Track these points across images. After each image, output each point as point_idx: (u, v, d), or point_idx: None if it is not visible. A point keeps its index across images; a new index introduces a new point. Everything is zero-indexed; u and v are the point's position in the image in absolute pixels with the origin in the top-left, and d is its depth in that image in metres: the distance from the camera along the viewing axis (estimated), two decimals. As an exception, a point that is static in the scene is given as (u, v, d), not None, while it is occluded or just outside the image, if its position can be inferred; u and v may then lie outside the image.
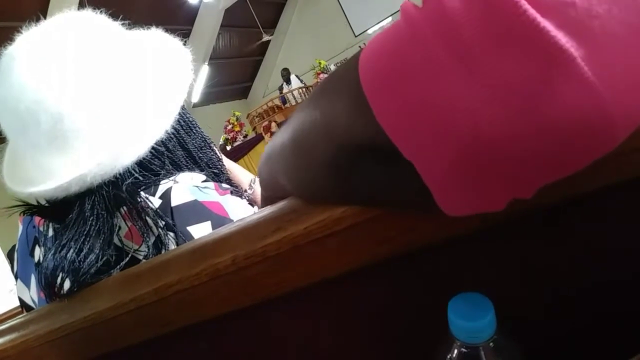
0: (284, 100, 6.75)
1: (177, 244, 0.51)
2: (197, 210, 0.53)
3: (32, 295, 0.59)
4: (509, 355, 0.29)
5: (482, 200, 0.23)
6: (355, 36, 9.29)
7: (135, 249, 0.52)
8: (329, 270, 0.35)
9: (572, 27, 0.19)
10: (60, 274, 0.47)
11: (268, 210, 0.36)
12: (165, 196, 0.54)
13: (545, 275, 0.35)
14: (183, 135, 0.61)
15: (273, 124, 5.84)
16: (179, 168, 0.60)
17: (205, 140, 0.66)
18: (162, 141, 0.58)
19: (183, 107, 0.63)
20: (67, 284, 0.46)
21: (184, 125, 0.62)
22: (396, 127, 0.23)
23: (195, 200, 0.54)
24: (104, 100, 0.52)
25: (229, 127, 6.40)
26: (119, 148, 0.52)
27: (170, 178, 0.56)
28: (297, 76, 7.27)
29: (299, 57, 9.60)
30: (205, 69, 8.23)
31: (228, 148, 5.91)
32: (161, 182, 0.55)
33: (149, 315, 0.39)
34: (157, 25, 0.65)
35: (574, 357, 0.37)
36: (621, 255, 0.34)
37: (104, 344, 0.43)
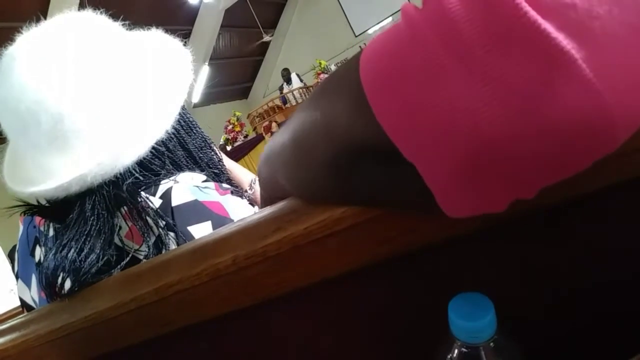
0: (285, 101, 6.75)
1: (178, 244, 0.51)
2: (197, 210, 0.53)
3: (32, 295, 0.59)
4: (509, 355, 0.29)
5: (483, 202, 0.23)
6: (356, 36, 9.29)
7: (136, 248, 0.52)
8: (329, 270, 0.35)
9: (573, 29, 0.19)
10: (61, 274, 0.47)
11: (268, 210, 0.36)
12: (166, 196, 0.54)
13: (545, 275, 0.35)
14: (183, 135, 0.62)
15: (273, 124, 5.84)
16: (179, 168, 0.60)
17: (206, 140, 0.66)
18: (162, 141, 0.58)
19: (183, 107, 0.63)
20: (67, 284, 0.46)
21: (184, 126, 0.62)
22: (397, 127, 0.23)
23: (196, 200, 0.54)
24: (104, 100, 0.52)
25: (230, 127, 6.41)
26: (120, 148, 0.52)
27: (171, 178, 0.56)
28: (297, 75, 7.27)
29: (299, 57, 9.60)
30: (205, 69, 8.24)
31: (228, 148, 5.92)
32: (161, 182, 0.55)
33: (149, 315, 0.39)
34: (157, 26, 0.65)
35: (574, 357, 0.37)
36: (621, 256, 0.34)
37: (105, 344, 0.43)
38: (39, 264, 0.58)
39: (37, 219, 0.59)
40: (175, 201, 0.53)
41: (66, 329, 0.42)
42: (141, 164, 0.56)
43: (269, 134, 5.79)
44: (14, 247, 0.64)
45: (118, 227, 0.53)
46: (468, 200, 0.23)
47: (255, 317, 0.40)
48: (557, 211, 0.31)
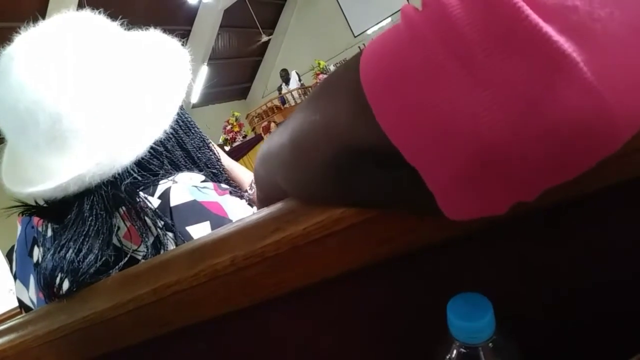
0: (283, 101, 6.75)
1: (176, 244, 0.51)
2: (196, 211, 0.53)
3: (30, 295, 0.59)
4: (508, 356, 0.29)
5: (484, 205, 0.23)
6: (355, 36, 9.30)
7: (134, 249, 0.52)
8: (328, 270, 0.35)
9: (574, 31, 0.19)
10: (59, 274, 0.47)
11: (267, 210, 0.36)
12: (164, 196, 0.53)
13: (545, 275, 0.35)
14: (182, 135, 0.61)
15: (272, 125, 5.84)
16: (177, 168, 0.60)
17: (204, 141, 0.66)
18: (160, 141, 0.58)
19: (181, 107, 0.63)
20: (66, 285, 0.46)
21: (183, 126, 0.62)
22: (398, 130, 0.23)
23: (195, 201, 0.53)
24: (103, 100, 0.52)
25: (228, 127, 6.40)
26: (118, 148, 0.52)
27: (169, 178, 0.56)
28: (297, 73, 7.26)
29: (298, 57, 9.60)
30: (204, 70, 8.24)
31: (227, 148, 5.92)
32: (160, 182, 0.55)
33: (147, 315, 0.39)
34: (156, 26, 0.65)
35: (574, 357, 0.36)
36: (621, 256, 0.34)
37: (103, 345, 0.43)
38: (37, 264, 0.58)
39: (35, 219, 0.59)
40: (174, 201, 0.53)
41: (64, 329, 0.42)
42: (139, 164, 0.56)
43: (268, 134, 5.78)
44: (12, 247, 0.64)
45: (116, 228, 0.53)
46: (469, 203, 0.23)
47: (253, 318, 0.40)
48: (557, 211, 0.31)
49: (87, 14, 0.57)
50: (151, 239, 0.51)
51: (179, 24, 7.47)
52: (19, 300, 0.62)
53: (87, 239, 0.51)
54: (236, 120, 6.47)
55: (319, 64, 6.89)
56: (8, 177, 0.57)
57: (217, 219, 0.53)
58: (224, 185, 0.60)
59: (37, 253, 0.58)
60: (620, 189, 0.29)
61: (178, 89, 0.59)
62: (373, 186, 0.28)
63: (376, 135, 0.23)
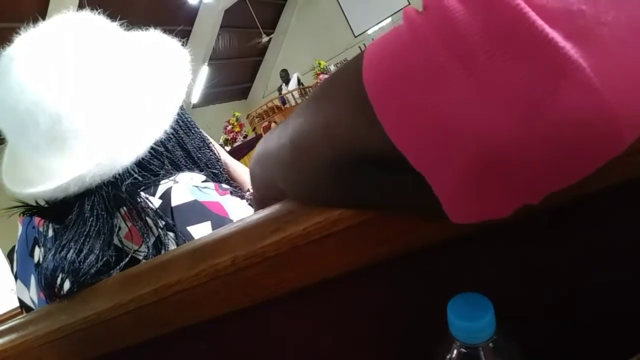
0: (284, 101, 6.75)
1: (177, 244, 0.51)
2: (197, 211, 0.53)
3: (31, 295, 0.59)
4: (508, 356, 0.29)
5: (490, 208, 0.23)
6: (355, 37, 9.30)
7: (135, 249, 0.52)
8: (328, 270, 0.35)
9: (581, 37, 0.18)
10: (60, 275, 0.47)
11: (267, 211, 0.36)
12: (165, 196, 0.54)
13: (545, 275, 0.35)
14: (182, 136, 0.61)
15: (273, 125, 5.84)
16: (178, 168, 0.60)
17: (204, 141, 0.66)
18: (161, 141, 0.58)
19: (182, 108, 0.63)
20: (66, 285, 0.46)
21: (183, 126, 0.62)
22: (403, 135, 0.22)
23: (195, 201, 0.54)
24: (103, 100, 0.52)
25: (229, 127, 6.40)
26: (118, 148, 0.52)
27: (170, 178, 0.56)
28: (298, 77, 7.25)
29: (299, 57, 9.60)
30: (205, 70, 8.24)
31: (228, 148, 5.91)
32: (161, 182, 0.55)
33: (148, 315, 0.39)
34: (156, 26, 0.65)
35: (574, 357, 0.36)
36: (621, 256, 0.34)
37: (104, 345, 0.43)
38: (38, 264, 0.58)
39: (36, 219, 0.59)
40: (175, 201, 0.53)
41: (65, 329, 0.42)
42: (140, 164, 0.56)
43: (268, 134, 5.77)
44: (13, 247, 0.64)
45: (117, 228, 0.53)
46: (475, 207, 0.23)
47: (254, 318, 0.40)
48: (557, 211, 0.31)
49: (87, 14, 0.57)
50: (152, 239, 0.51)
51: (179, 24, 7.47)
52: (20, 300, 0.62)
53: (88, 240, 0.51)
54: (237, 120, 6.47)
55: (320, 64, 6.89)
56: (8, 178, 0.57)
57: (218, 219, 0.53)
58: (224, 185, 0.60)
59: (38, 253, 0.58)
60: (620, 189, 0.29)
61: (178, 89, 0.59)
62: (374, 189, 0.28)
63: (379, 139, 0.23)
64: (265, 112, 6.58)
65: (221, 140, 6.35)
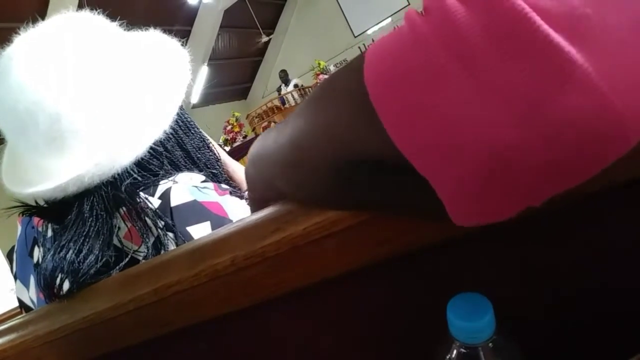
0: (283, 102, 6.75)
1: (177, 245, 0.51)
2: (196, 211, 0.53)
3: (31, 296, 0.59)
4: (508, 356, 0.29)
5: (494, 211, 0.23)
6: (355, 37, 9.30)
7: (135, 249, 0.52)
8: (328, 270, 0.35)
9: (585, 40, 0.18)
10: (60, 275, 0.47)
11: (267, 211, 0.36)
12: (165, 196, 0.53)
13: (545, 275, 0.35)
14: (181, 136, 0.61)
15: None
16: (177, 168, 0.60)
17: (204, 141, 0.66)
18: (160, 141, 0.58)
19: (181, 108, 0.63)
20: (66, 285, 0.46)
21: (182, 126, 0.62)
22: (406, 139, 0.22)
23: (195, 201, 0.53)
24: (102, 101, 0.52)
25: (229, 127, 6.40)
26: (117, 148, 0.52)
27: (170, 178, 0.56)
28: (296, 84, 7.26)
29: (298, 57, 9.61)
30: (204, 70, 8.24)
31: (227, 148, 5.91)
32: (160, 183, 0.55)
33: (148, 315, 0.39)
34: (156, 26, 0.65)
35: (574, 357, 0.36)
36: (621, 256, 0.34)
37: (103, 345, 0.43)
38: (37, 264, 0.58)
39: (36, 219, 0.59)
40: (174, 201, 0.53)
41: (65, 329, 0.42)
42: (139, 164, 0.56)
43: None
44: (13, 247, 0.64)
45: (117, 228, 0.53)
46: (478, 209, 0.23)
47: (254, 318, 0.40)
48: (557, 211, 0.31)
49: (87, 14, 0.57)
50: (152, 240, 0.51)
51: (179, 24, 7.48)
52: (19, 300, 0.62)
53: (87, 240, 0.51)
54: (236, 120, 6.47)
55: (319, 64, 6.89)
56: (8, 178, 0.57)
57: (218, 219, 0.53)
58: (224, 186, 0.60)
59: (37, 253, 0.58)
60: (620, 189, 0.29)
61: (178, 89, 0.59)
62: (375, 190, 0.28)
63: (380, 140, 0.23)
64: (265, 112, 6.58)
65: (221, 141, 6.35)
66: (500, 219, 0.23)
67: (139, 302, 0.39)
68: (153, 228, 0.52)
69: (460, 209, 0.23)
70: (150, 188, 0.55)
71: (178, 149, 0.61)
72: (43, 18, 0.57)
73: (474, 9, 0.20)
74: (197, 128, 0.66)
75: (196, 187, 0.55)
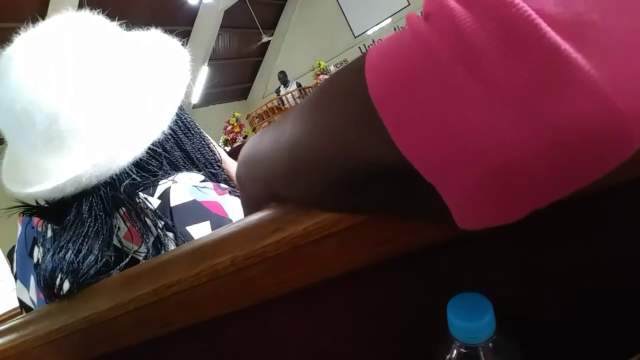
0: (282, 103, 6.75)
1: (177, 245, 0.51)
2: (196, 210, 0.53)
3: (31, 296, 0.59)
4: (508, 356, 0.29)
5: (500, 215, 0.23)
6: (355, 37, 9.31)
7: (135, 249, 0.52)
8: (328, 270, 0.35)
9: (591, 46, 0.18)
10: (59, 275, 0.47)
11: (267, 211, 0.36)
12: (164, 196, 0.53)
13: (545, 275, 0.35)
14: (181, 136, 0.61)
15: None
16: (176, 169, 0.59)
17: (204, 141, 0.66)
18: (159, 142, 0.58)
19: (181, 108, 0.63)
20: (66, 285, 0.46)
21: (182, 126, 0.62)
22: (414, 147, 0.22)
23: (194, 200, 0.53)
24: (102, 100, 0.52)
25: (229, 128, 6.40)
26: (117, 149, 0.52)
27: (169, 178, 0.56)
28: (298, 83, 7.27)
29: (299, 58, 9.61)
30: (205, 70, 8.24)
31: (227, 149, 5.91)
32: (160, 183, 0.55)
33: (148, 315, 0.39)
34: (156, 26, 0.65)
35: (574, 357, 0.36)
36: (621, 256, 0.34)
37: (104, 345, 0.43)
38: (37, 265, 0.58)
39: (35, 219, 0.59)
40: (174, 201, 0.53)
41: (65, 329, 0.42)
42: (138, 164, 0.56)
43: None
44: (13, 247, 0.64)
45: (117, 228, 0.53)
46: (485, 214, 0.23)
47: (254, 318, 0.40)
48: (557, 211, 0.31)
49: (87, 14, 0.57)
50: (151, 240, 0.51)
51: (179, 24, 7.47)
52: (20, 301, 0.62)
53: (86, 240, 0.51)
54: (237, 120, 6.47)
55: (319, 64, 6.89)
56: (8, 177, 0.57)
57: (217, 218, 0.53)
58: (223, 185, 0.60)
59: (37, 253, 0.58)
60: (620, 189, 0.29)
61: (177, 90, 0.59)
62: (378, 195, 0.28)
63: (385, 146, 0.23)
64: (265, 112, 6.59)
65: (221, 141, 6.35)
66: (507, 222, 0.23)
67: (139, 302, 0.39)
68: (153, 228, 0.52)
69: (466, 213, 0.23)
70: (150, 188, 0.55)
71: (177, 150, 0.61)
72: (43, 18, 0.57)
73: (479, 15, 0.20)
74: (197, 128, 0.66)
75: (196, 186, 0.55)
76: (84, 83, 0.51)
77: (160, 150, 0.58)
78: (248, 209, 0.41)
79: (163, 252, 0.51)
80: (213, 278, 0.36)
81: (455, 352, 0.29)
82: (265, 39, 8.87)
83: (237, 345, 0.43)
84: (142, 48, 0.60)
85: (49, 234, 0.56)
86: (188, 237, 0.51)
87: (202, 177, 0.59)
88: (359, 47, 9.04)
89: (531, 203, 0.22)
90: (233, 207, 0.55)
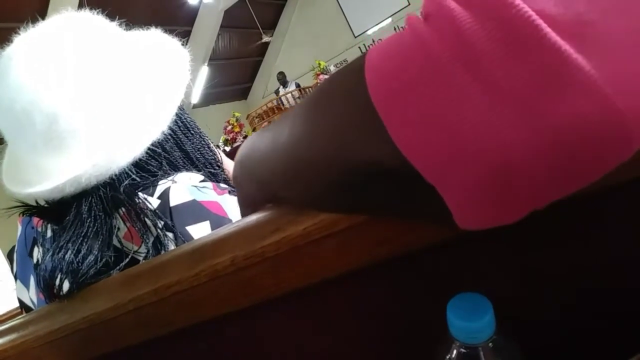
0: (282, 103, 6.76)
1: (177, 245, 0.51)
2: (195, 210, 0.53)
3: (31, 296, 0.59)
4: (508, 356, 0.29)
5: (500, 215, 0.23)
6: (355, 37, 9.31)
7: (135, 250, 0.52)
8: (328, 270, 0.35)
9: (592, 46, 0.18)
10: (59, 275, 0.47)
11: (267, 211, 0.36)
12: (164, 196, 0.53)
13: (545, 275, 0.35)
14: (180, 136, 0.61)
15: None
16: (176, 169, 0.59)
17: (204, 141, 0.66)
18: (159, 142, 0.58)
19: (181, 108, 0.63)
20: (66, 285, 0.46)
21: (182, 126, 0.62)
22: (415, 149, 0.22)
23: (194, 200, 0.53)
24: (101, 101, 0.52)
25: (229, 127, 6.41)
26: (116, 149, 0.52)
27: (169, 178, 0.56)
28: (297, 83, 7.28)
29: (299, 57, 9.62)
30: (205, 70, 8.24)
31: (227, 149, 5.92)
32: (159, 183, 0.55)
33: (148, 315, 0.39)
34: (157, 26, 0.65)
35: (574, 357, 0.36)
36: (621, 256, 0.34)
37: (104, 345, 0.43)
38: (37, 265, 0.58)
39: (35, 219, 0.59)
40: (174, 201, 0.53)
41: (65, 329, 0.42)
42: (137, 164, 0.56)
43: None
44: (13, 247, 0.64)
45: (116, 229, 0.53)
46: (486, 214, 0.23)
47: (254, 318, 0.40)
48: (557, 211, 0.31)
49: (87, 14, 0.57)
50: (151, 240, 0.51)
51: (179, 24, 7.47)
52: (20, 301, 0.62)
53: (85, 240, 0.51)
54: (237, 120, 6.47)
55: (319, 64, 6.89)
56: (8, 177, 0.57)
57: (217, 218, 0.53)
58: (223, 185, 0.60)
59: (37, 253, 0.58)
60: (620, 189, 0.29)
61: (177, 90, 0.59)
62: (378, 196, 0.28)
63: (387, 150, 0.23)
64: (265, 112, 6.59)
65: (221, 141, 6.35)
66: (507, 222, 0.23)
67: (138, 302, 0.39)
68: (152, 228, 0.52)
69: (467, 213, 0.23)
70: (149, 188, 0.55)
71: (177, 150, 0.60)
72: (43, 18, 0.57)
73: (479, 16, 0.20)
74: (197, 128, 0.66)
75: (195, 186, 0.55)
76: (83, 83, 0.51)
77: (159, 151, 0.58)
78: (245, 210, 0.41)
79: (163, 252, 0.51)
80: (213, 278, 0.36)
81: (455, 352, 0.29)
82: (265, 39, 8.87)
83: (237, 345, 0.43)
84: (142, 48, 0.60)
85: (49, 234, 0.56)
86: (188, 237, 0.51)
87: (202, 177, 0.59)
88: (359, 47, 9.04)
89: (531, 203, 0.22)
90: (232, 207, 0.55)
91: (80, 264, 0.48)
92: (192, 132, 0.64)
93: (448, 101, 0.20)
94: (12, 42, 0.53)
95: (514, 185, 0.21)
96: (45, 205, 0.56)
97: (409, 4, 8.39)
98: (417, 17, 0.23)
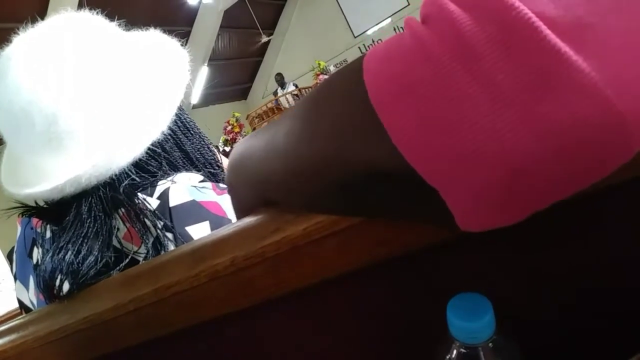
0: (280, 104, 6.77)
1: (176, 245, 0.51)
2: (195, 211, 0.53)
3: (30, 297, 0.59)
4: (508, 356, 0.29)
5: (502, 218, 0.23)
6: (355, 37, 9.31)
7: (135, 250, 0.52)
8: (328, 270, 0.35)
9: (591, 49, 0.18)
10: (59, 276, 0.47)
11: (267, 211, 0.36)
12: (163, 197, 0.53)
13: (545, 275, 0.35)
14: (180, 137, 0.61)
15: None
16: (176, 169, 0.59)
17: (203, 141, 0.66)
18: (158, 142, 0.58)
19: (180, 108, 0.63)
20: (66, 286, 0.46)
21: (181, 126, 0.62)
22: (415, 153, 0.22)
23: (194, 201, 0.53)
24: (101, 101, 0.52)
25: (229, 128, 6.41)
26: (116, 149, 0.52)
27: (168, 178, 0.56)
28: (295, 84, 7.28)
29: (298, 58, 9.62)
30: (204, 70, 8.24)
31: (227, 149, 5.92)
32: (159, 183, 0.55)
33: (148, 316, 0.39)
34: (156, 26, 0.65)
35: (574, 357, 0.36)
36: (621, 256, 0.34)
37: (103, 345, 0.43)
38: (36, 265, 0.58)
39: (34, 220, 0.59)
40: (173, 202, 0.53)
41: (65, 330, 0.42)
42: (137, 165, 0.56)
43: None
44: (13, 248, 0.64)
45: (116, 229, 0.53)
46: (488, 217, 0.23)
47: (254, 318, 0.40)
48: (557, 211, 0.31)
49: (86, 14, 0.57)
50: (151, 240, 0.51)
51: (179, 24, 7.48)
52: (19, 301, 0.62)
53: (85, 241, 0.51)
54: (236, 120, 6.48)
55: (319, 64, 6.89)
56: (7, 178, 0.57)
57: (217, 218, 0.53)
58: (222, 185, 0.60)
59: (36, 254, 0.58)
60: (620, 189, 0.29)
61: (177, 90, 0.59)
62: (378, 199, 0.28)
63: (386, 151, 0.23)
64: (265, 112, 6.60)
65: (221, 141, 6.36)
66: (508, 224, 0.23)
67: (138, 303, 0.39)
68: (152, 229, 0.51)
69: (469, 216, 0.23)
70: (149, 188, 0.55)
71: (176, 150, 0.61)
72: (43, 18, 0.57)
73: (479, 18, 0.20)
74: (197, 128, 0.66)
75: (195, 187, 0.55)
76: (83, 83, 0.51)
77: (159, 151, 0.58)
78: (241, 215, 0.41)
79: (163, 252, 0.51)
80: (213, 278, 0.36)
81: (455, 352, 0.29)
82: (265, 39, 8.88)
83: (237, 346, 0.43)
84: (142, 48, 0.60)
85: (48, 234, 0.56)
86: (187, 238, 0.51)
87: (201, 177, 0.59)
88: (359, 47, 9.04)
89: (533, 205, 0.22)
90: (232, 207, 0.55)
91: (80, 265, 0.48)
92: (192, 132, 0.64)
93: (448, 104, 0.20)
94: (11, 42, 0.53)
95: (516, 189, 0.21)
96: (45, 206, 0.56)
97: (409, 4, 8.39)
98: (416, 19, 0.23)
